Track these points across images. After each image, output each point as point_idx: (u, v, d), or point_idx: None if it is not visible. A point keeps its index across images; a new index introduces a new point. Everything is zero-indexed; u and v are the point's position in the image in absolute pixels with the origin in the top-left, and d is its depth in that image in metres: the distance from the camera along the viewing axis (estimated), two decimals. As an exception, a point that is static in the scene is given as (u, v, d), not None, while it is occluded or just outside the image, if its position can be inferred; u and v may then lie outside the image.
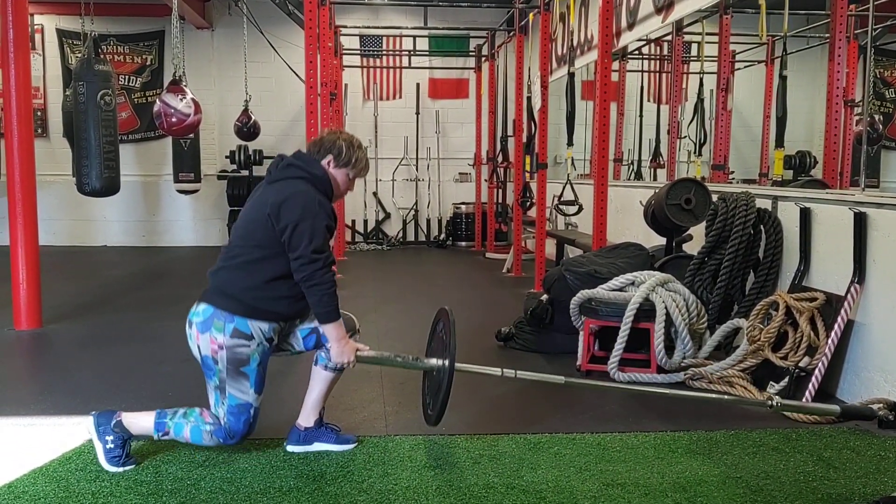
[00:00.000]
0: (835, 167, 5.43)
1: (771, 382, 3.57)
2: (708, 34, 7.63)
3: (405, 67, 10.70)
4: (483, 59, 10.33)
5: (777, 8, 6.87)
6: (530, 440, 3.01)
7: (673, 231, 4.82)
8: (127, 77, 10.47)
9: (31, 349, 4.79)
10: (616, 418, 3.32)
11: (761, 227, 4.14)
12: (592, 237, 5.54)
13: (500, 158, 9.52)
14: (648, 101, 10.51)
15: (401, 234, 11.09)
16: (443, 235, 11.02)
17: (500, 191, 9.56)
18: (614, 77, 8.48)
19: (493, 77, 9.91)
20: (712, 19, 7.34)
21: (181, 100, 6.52)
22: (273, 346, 2.76)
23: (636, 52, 9.64)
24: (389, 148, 10.95)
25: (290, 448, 2.88)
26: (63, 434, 3.04)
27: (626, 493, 2.53)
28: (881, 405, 3.19)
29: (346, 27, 9.72)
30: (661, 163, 9.50)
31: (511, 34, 8.78)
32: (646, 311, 3.90)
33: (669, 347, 3.89)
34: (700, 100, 8.03)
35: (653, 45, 9.88)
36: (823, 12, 7.98)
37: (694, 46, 9.32)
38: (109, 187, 6.17)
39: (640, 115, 10.11)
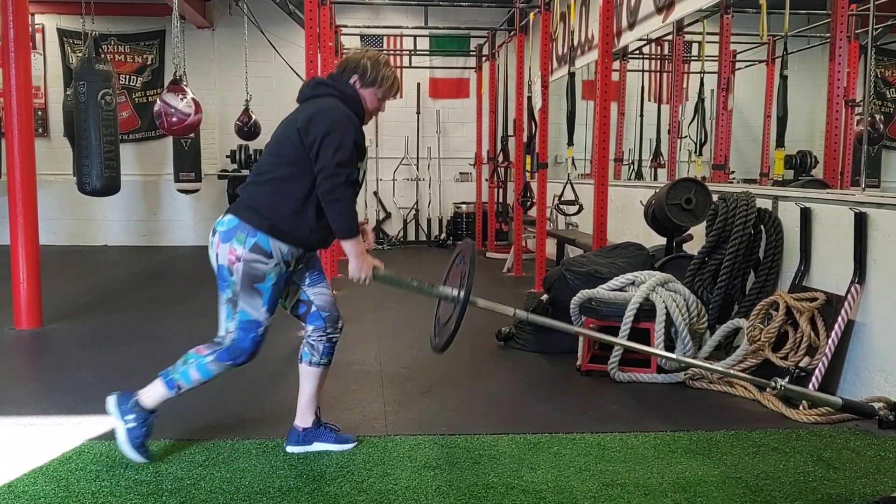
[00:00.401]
0: (835, 167, 5.42)
1: (771, 382, 3.57)
2: (709, 34, 7.62)
3: (406, 67, 10.68)
4: (484, 58, 10.32)
5: (778, 8, 6.85)
6: (530, 440, 3.01)
7: (673, 231, 4.82)
8: (127, 76, 10.48)
9: (32, 349, 4.79)
10: (616, 418, 3.32)
11: (762, 227, 4.14)
12: (593, 237, 5.54)
13: (500, 158, 9.52)
14: (649, 100, 10.49)
15: (401, 234, 11.09)
16: (443, 235, 11.01)
17: (501, 190, 9.56)
18: (615, 77, 8.47)
19: (494, 77, 9.90)
20: (713, 19, 7.33)
21: (182, 99, 6.54)
22: (289, 273, 2.75)
23: (637, 51, 9.62)
24: (390, 147, 10.95)
25: (289, 449, 2.88)
26: (63, 434, 3.04)
27: (626, 493, 2.53)
28: (882, 405, 3.19)
29: (346, 27, 9.71)
30: (662, 162, 9.50)
31: (511, 34, 8.77)
32: (646, 310, 3.90)
33: (670, 347, 3.89)
34: (701, 99, 8.01)
35: (653, 44, 9.86)
36: (824, 12, 7.96)
37: (694, 46, 9.29)
38: (110, 187, 6.17)
39: (641, 115, 10.09)
